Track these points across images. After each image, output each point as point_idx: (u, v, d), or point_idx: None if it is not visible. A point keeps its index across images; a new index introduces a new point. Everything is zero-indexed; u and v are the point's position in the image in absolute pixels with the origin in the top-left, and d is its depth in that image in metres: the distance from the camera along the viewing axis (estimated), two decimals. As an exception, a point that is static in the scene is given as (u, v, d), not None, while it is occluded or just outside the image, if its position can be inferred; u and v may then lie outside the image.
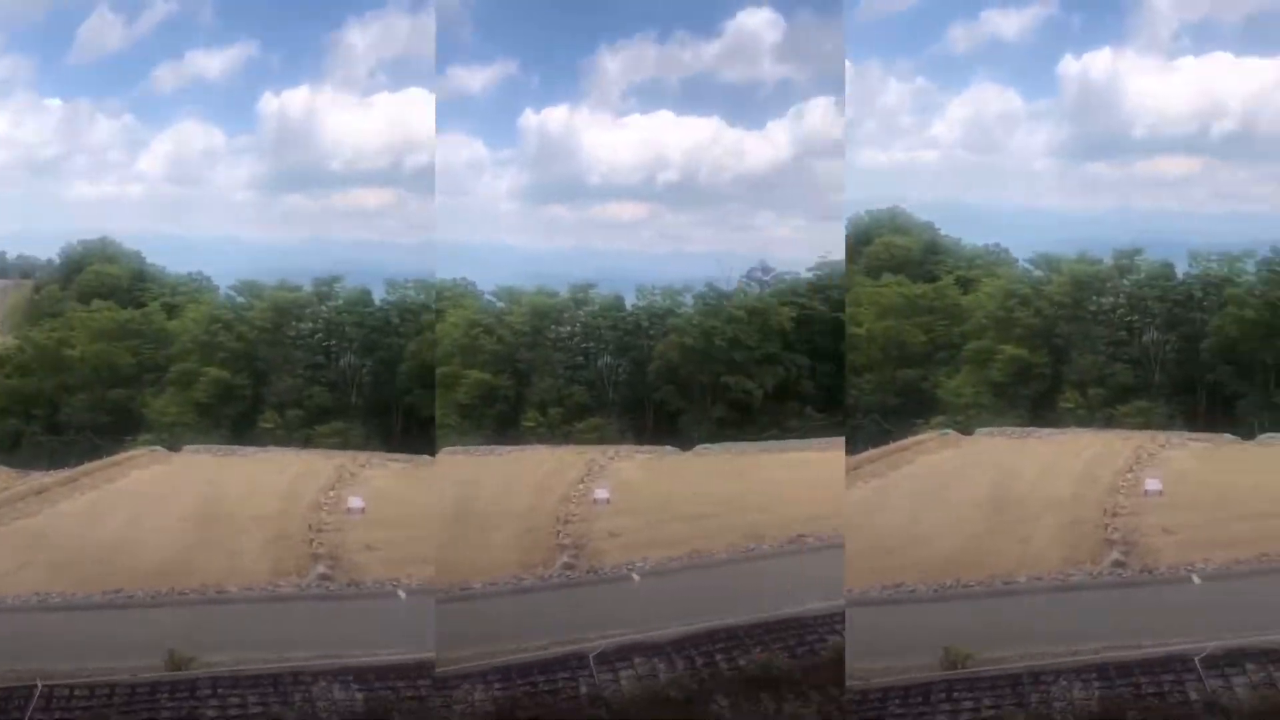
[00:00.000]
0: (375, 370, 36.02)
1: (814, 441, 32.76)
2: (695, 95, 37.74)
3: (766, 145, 37.86)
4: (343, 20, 37.27)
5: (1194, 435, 31.57)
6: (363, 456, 32.31)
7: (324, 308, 37.11)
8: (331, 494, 29.60)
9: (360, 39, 37.34)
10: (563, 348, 36.35)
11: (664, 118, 38.35)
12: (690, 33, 37.40)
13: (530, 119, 39.26)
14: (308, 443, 34.78)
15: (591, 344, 36.34)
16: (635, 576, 25.12)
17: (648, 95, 38.16)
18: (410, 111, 36.02)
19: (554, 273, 37.83)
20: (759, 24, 37.39)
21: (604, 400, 35.65)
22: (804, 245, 37.91)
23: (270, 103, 38.31)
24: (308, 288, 37.35)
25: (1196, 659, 19.62)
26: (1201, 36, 35.37)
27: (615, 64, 37.84)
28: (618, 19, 37.12)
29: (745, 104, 38.19)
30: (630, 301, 36.81)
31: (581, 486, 29.54)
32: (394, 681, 20.72)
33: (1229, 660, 19.61)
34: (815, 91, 37.04)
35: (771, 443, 33.39)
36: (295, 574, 25.72)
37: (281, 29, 37.83)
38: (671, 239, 39.43)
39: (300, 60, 38.67)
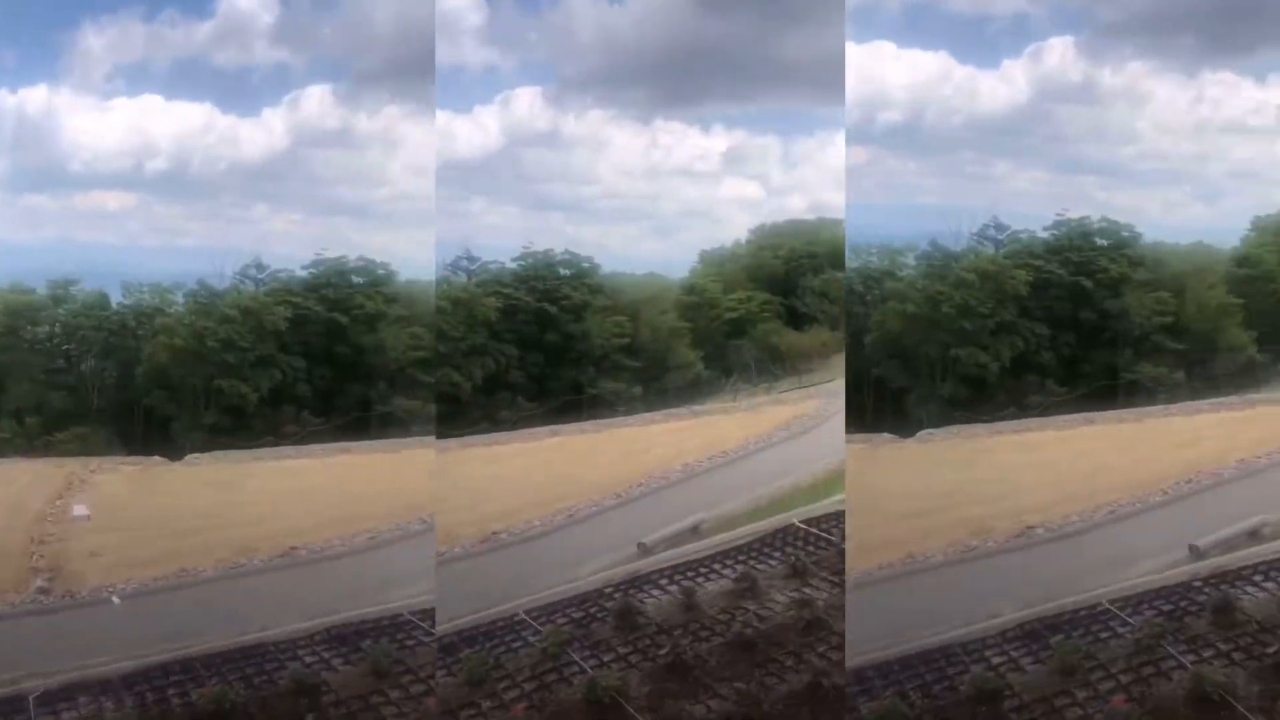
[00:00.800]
0: (116, 374, 35.70)
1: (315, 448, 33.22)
2: (186, 78, 36.01)
3: (262, 133, 36.42)
4: (78, 22, 36.95)
5: (126, 459, 33.24)
6: (94, 462, 32.13)
7: (60, 311, 36.50)
8: (59, 503, 29.40)
9: (97, 42, 37.13)
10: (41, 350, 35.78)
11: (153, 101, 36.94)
12: (180, 12, 35.98)
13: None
14: (48, 449, 34.04)
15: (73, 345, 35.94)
16: (115, 599, 25.10)
17: (135, 77, 36.61)
18: (148, 117, 36.63)
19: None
20: (252, 5, 36.10)
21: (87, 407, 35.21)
22: (301, 240, 36.88)
23: (7, 100, 37.36)
24: (43, 291, 36.59)
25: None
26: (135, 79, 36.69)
27: (100, 42, 36.49)
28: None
29: (239, 89, 36.24)
30: (116, 299, 36.04)
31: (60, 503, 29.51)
32: None
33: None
34: (312, 79, 35.95)
35: (265, 450, 33.33)
36: (14, 590, 25.41)
37: (15, 26, 36.57)
38: (162, 231, 37.85)
39: (36, 60, 37.87)
